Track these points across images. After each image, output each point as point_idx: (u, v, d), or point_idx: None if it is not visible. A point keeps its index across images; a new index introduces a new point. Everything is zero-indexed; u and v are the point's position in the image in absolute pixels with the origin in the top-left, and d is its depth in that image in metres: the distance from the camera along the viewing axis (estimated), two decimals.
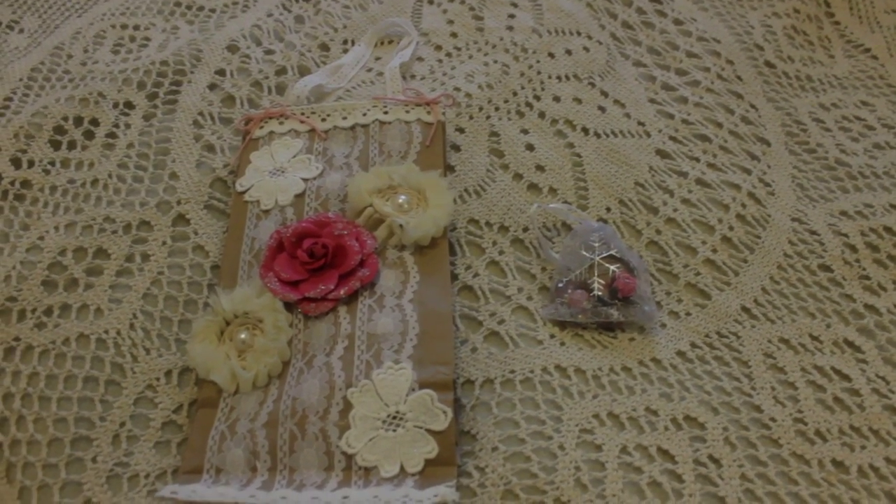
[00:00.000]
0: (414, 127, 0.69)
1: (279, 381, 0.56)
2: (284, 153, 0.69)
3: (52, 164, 0.71)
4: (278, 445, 0.53)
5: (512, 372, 0.59)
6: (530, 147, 0.72)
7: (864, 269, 0.65)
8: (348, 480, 0.52)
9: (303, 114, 0.71)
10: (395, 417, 0.53)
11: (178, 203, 0.68)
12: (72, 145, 0.72)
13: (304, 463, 0.53)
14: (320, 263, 0.60)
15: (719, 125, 0.74)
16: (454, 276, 0.64)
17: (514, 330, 0.61)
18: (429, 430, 0.52)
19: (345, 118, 0.71)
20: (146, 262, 0.65)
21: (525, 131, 0.73)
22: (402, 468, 0.51)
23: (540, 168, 0.70)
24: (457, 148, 0.72)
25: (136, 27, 0.84)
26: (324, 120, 0.71)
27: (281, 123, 0.71)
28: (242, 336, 0.58)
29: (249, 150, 0.70)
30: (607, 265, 0.61)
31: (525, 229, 0.67)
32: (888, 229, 0.67)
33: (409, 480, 0.51)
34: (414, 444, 0.52)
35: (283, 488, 0.51)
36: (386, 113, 0.71)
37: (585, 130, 0.73)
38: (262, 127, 0.71)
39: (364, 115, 0.71)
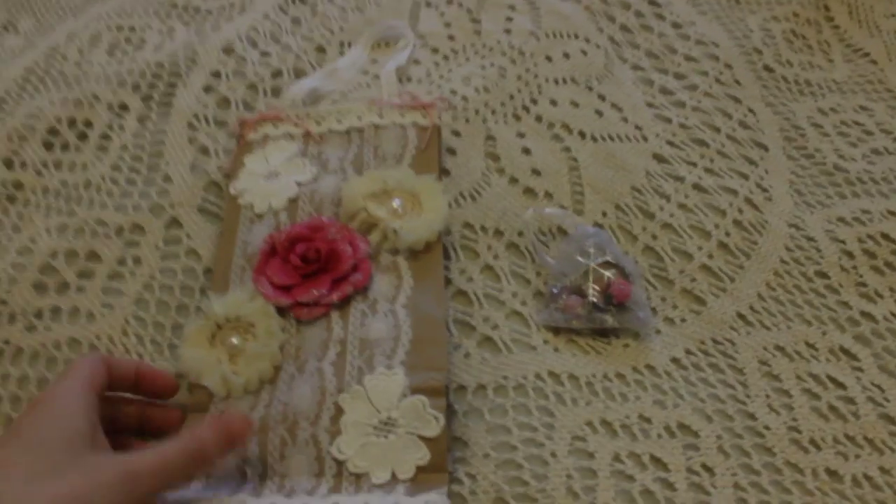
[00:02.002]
0: (409, 130, 0.69)
1: (270, 387, 0.56)
2: (279, 156, 0.68)
3: (45, 165, 0.71)
4: (269, 451, 0.53)
5: (505, 378, 0.58)
6: (526, 151, 0.71)
7: (860, 276, 0.65)
8: (339, 486, 0.51)
9: (298, 117, 0.71)
10: (386, 423, 0.53)
11: (172, 206, 0.68)
12: (65, 147, 0.72)
13: (295, 469, 0.52)
14: (313, 268, 0.60)
15: (717, 130, 0.74)
16: (448, 281, 0.63)
17: (507, 335, 0.61)
18: (420, 437, 0.52)
19: (340, 121, 0.70)
20: (138, 267, 0.65)
21: (521, 135, 0.73)
22: (393, 475, 0.51)
23: (536, 172, 0.70)
24: (452, 151, 0.71)
25: (132, 28, 0.83)
26: (319, 123, 0.71)
27: (276, 127, 0.71)
28: (234, 340, 0.58)
29: (243, 153, 0.69)
30: (602, 271, 0.61)
31: (520, 234, 0.66)
32: (885, 236, 0.67)
33: (399, 487, 0.51)
34: (405, 450, 0.52)
35: (274, 494, 0.51)
36: (381, 117, 0.70)
37: (582, 134, 0.73)
38: (256, 130, 0.71)
39: (359, 118, 0.70)
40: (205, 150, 0.72)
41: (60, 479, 0.42)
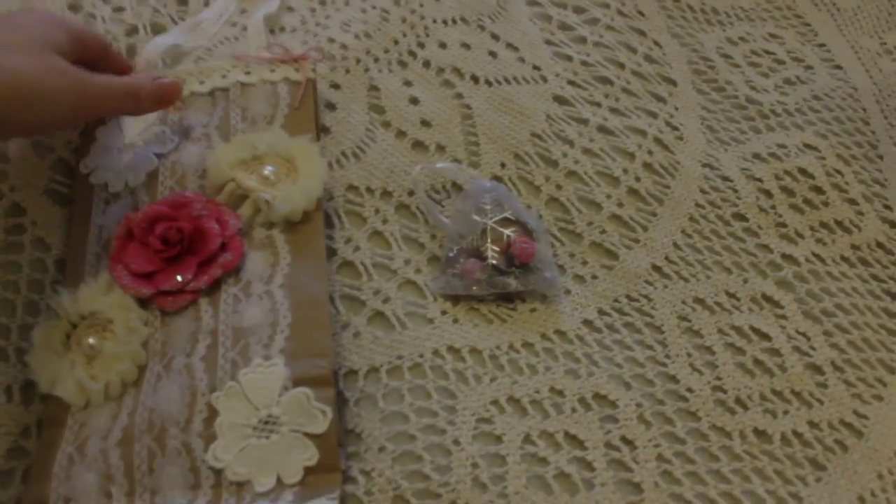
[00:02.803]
0: (280, 87, 0.61)
1: (134, 390, 0.49)
2: (134, 127, 0.60)
3: None
4: (135, 465, 0.46)
5: (399, 358, 0.52)
6: (414, 101, 0.64)
7: (780, 216, 0.60)
8: (218, 499, 0.45)
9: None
10: (267, 422, 0.46)
11: (11, 190, 0.59)
12: None
13: (167, 483, 0.45)
14: (176, 251, 0.52)
15: (621, 66, 0.68)
16: (332, 252, 0.56)
17: (401, 309, 0.54)
18: (307, 434, 0.46)
19: (202, 82, 0.62)
20: None
21: (408, 83, 0.65)
22: (279, 480, 0.45)
23: (426, 123, 0.63)
24: (332, 106, 0.64)
25: None
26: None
27: None
28: (91, 341, 0.50)
29: (94, 124, 0.60)
30: (501, 229, 0.55)
31: (410, 193, 0.59)
32: (803, 171, 0.62)
33: (287, 494, 0.44)
34: (290, 451, 0.45)
35: None
36: (248, 73, 0.62)
37: (475, 79, 0.66)
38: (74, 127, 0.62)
39: (223, 77, 0.62)
40: None
41: (26, 56, 0.48)
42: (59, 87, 0.49)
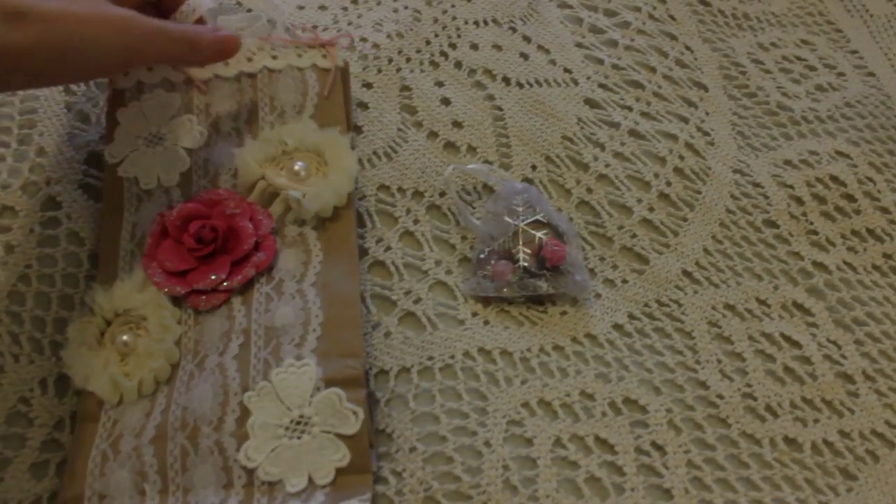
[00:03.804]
0: (308, 75, 0.60)
1: (167, 388, 0.49)
2: (159, 113, 0.59)
3: None
4: (168, 463, 0.46)
5: (430, 359, 0.52)
6: (446, 101, 0.64)
7: (811, 224, 0.60)
8: (250, 498, 0.45)
9: None
10: (299, 423, 0.46)
11: (48, 184, 0.59)
12: None
13: (200, 482, 0.45)
14: (210, 249, 0.52)
15: (652, 70, 0.68)
16: (364, 251, 0.56)
17: (431, 309, 0.54)
18: (338, 435, 0.46)
19: (227, 64, 0.61)
20: (10, 255, 0.56)
21: (440, 84, 0.66)
22: (310, 480, 0.45)
23: (457, 124, 0.63)
24: (364, 106, 0.64)
25: None
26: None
27: (150, 70, 0.61)
28: (125, 338, 0.50)
29: (115, 105, 0.59)
30: (533, 231, 0.55)
31: (442, 194, 0.59)
32: (835, 178, 0.62)
33: (318, 494, 0.44)
34: (322, 451, 0.45)
35: None
36: (275, 58, 0.61)
37: (507, 80, 0.66)
38: (126, 73, 0.61)
39: (249, 60, 0.61)
40: (84, 117, 0.63)
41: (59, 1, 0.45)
42: (98, 33, 0.46)
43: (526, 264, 0.54)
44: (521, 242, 0.55)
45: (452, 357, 0.52)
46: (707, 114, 0.65)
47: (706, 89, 0.67)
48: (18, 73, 0.47)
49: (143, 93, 0.60)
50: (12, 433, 0.50)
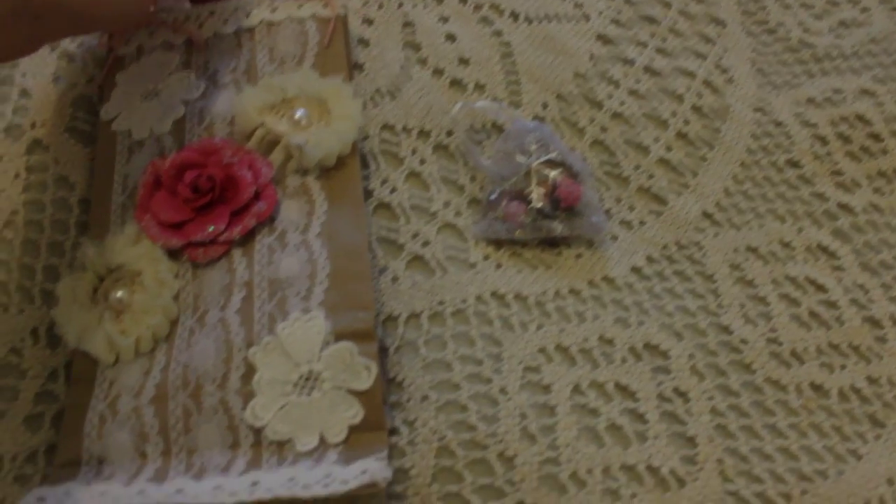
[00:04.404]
0: (309, 25, 0.57)
1: (166, 345, 0.46)
2: (157, 71, 0.56)
3: None
4: (170, 424, 0.44)
5: (441, 303, 0.49)
6: (451, 37, 0.61)
7: (835, 164, 0.57)
8: (258, 458, 0.42)
9: (176, 21, 0.59)
10: (308, 378, 0.44)
11: (33, 126, 0.56)
12: None
13: (204, 442, 0.43)
14: (207, 199, 0.49)
15: (667, 5, 0.64)
16: (368, 193, 0.54)
17: (441, 252, 0.52)
18: (350, 391, 0.43)
19: (225, 21, 0.58)
20: None
21: (444, 19, 0.62)
22: (321, 438, 0.42)
23: (463, 61, 0.60)
24: (365, 43, 0.61)
25: None
26: (201, 26, 0.58)
27: (151, 34, 0.58)
28: (119, 294, 0.48)
29: (115, 70, 0.57)
30: (547, 171, 0.52)
31: (449, 133, 0.56)
32: (860, 117, 0.59)
33: (331, 453, 0.42)
34: (334, 408, 0.43)
35: (181, 476, 0.42)
36: (274, 11, 0.58)
37: (515, 15, 0.62)
38: (128, 41, 0.58)
39: (247, 15, 0.59)
40: (70, 57, 0.60)
41: None
42: None
43: (539, 205, 0.51)
44: (534, 182, 0.52)
45: (464, 301, 0.49)
46: (725, 50, 0.62)
47: (724, 25, 0.64)
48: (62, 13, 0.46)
49: (143, 55, 0.57)
50: (4, 385, 0.48)
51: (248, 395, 0.44)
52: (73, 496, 0.41)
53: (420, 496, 0.43)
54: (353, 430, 0.42)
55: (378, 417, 0.43)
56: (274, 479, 0.40)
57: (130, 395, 0.45)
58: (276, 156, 0.52)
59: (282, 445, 0.42)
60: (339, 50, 0.56)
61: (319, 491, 0.39)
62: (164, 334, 0.47)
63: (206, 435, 0.43)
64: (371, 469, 0.40)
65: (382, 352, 0.47)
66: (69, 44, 0.60)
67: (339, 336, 0.44)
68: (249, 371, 0.44)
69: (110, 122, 0.55)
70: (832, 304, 0.52)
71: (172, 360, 0.45)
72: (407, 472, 0.44)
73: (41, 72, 0.59)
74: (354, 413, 0.43)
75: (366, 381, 0.43)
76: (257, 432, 0.43)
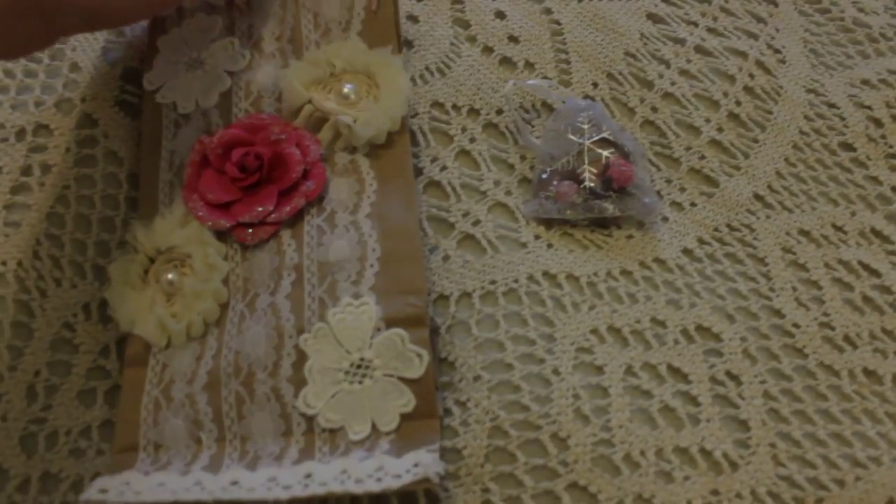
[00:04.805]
0: None
1: (217, 330, 0.46)
2: (200, 37, 0.56)
3: None
4: (224, 411, 0.44)
5: (493, 283, 0.49)
6: (501, 15, 0.61)
7: (890, 147, 0.56)
8: (311, 447, 0.42)
9: None
10: (359, 366, 0.44)
11: (83, 101, 0.56)
12: None
13: (258, 430, 0.43)
14: (255, 178, 0.49)
15: None
16: (418, 171, 0.53)
17: (491, 231, 0.51)
18: (402, 379, 0.43)
19: None
20: (47, 175, 0.53)
21: None
22: (373, 427, 0.42)
23: (513, 39, 0.59)
24: (414, 19, 0.60)
25: None
26: None
27: None
28: (169, 276, 0.48)
29: (156, 34, 0.56)
30: (599, 150, 0.52)
31: (499, 111, 0.56)
32: None
33: (383, 442, 0.42)
34: (385, 397, 0.43)
35: (235, 464, 0.42)
36: None
37: None
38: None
39: None
40: (119, 31, 0.60)
41: None
42: None
43: (591, 185, 0.51)
44: (586, 162, 0.52)
45: (516, 281, 0.49)
46: (777, 30, 0.61)
47: (776, 4, 0.63)
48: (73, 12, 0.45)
49: (184, 18, 0.57)
50: (58, 360, 0.48)
51: (299, 383, 0.44)
52: (132, 487, 0.41)
53: (473, 476, 0.43)
54: (404, 418, 0.42)
55: (430, 406, 0.43)
56: (327, 472, 0.40)
57: (183, 381, 0.45)
58: (325, 133, 0.51)
59: (334, 433, 0.43)
60: (388, 17, 0.55)
61: (372, 486, 0.39)
62: (214, 319, 0.47)
63: (259, 423, 0.43)
64: (423, 462, 0.40)
65: (434, 332, 0.47)
66: None
67: (391, 322, 0.44)
68: (301, 358, 0.44)
69: (154, 93, 0.54)
70: (886, 289, 0.51)
71: (224, 345, 0.46)
72: (460, 453, 0.44)
73: (91, 46, 0.59)
74: (406, 401, 0.43)
75: (418, 370, 0.43)
76: (309, 420, 0.43)
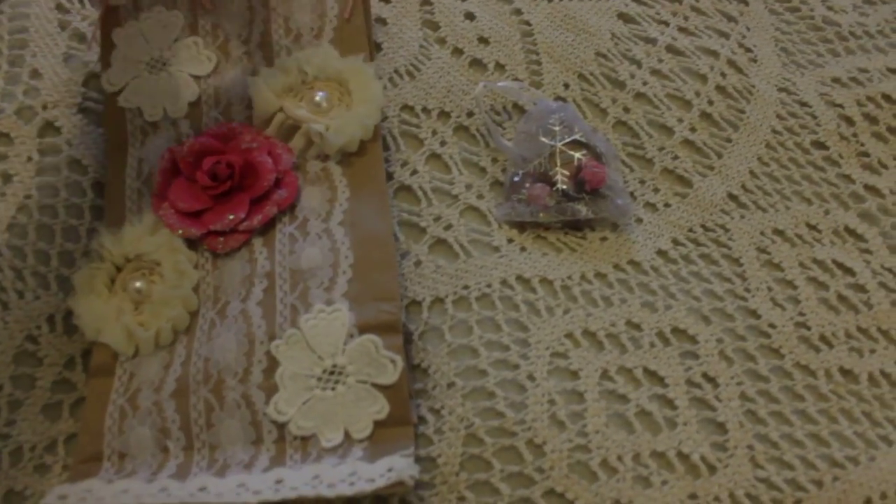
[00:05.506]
0: None
1: (186, 338, 0.45)
2: (160, 34, 0.54)
3: None
4: (192, 419, 0.43)
5: (465, 288, 0.49)
6: (470, 16, 0.60)
7: (862, 145, 0.56)
8: (282, 454, 0.42)
9: None
10: (332, 373, 0.43)
11: (44, 108, 0.55)
12: None
13: (227, 438, 0.42)
14: (226, 187, 0.49)
15: None
16: (388, 176, 0.53)
17: (464, 236, 0.51)
18: (375, 385, 0.42)
19: None
20: (8, 185, 0.52)
21: None
22: (346, 434, 0.42)
23: (483, 40, 0.59)
24: (383, 21, 0.59)
25: None
26: None
27: None
28: (138, 284, 0.47)
29: (109, 24, 0.54)
30: (571, 152, 0.51)
31: (470, 114, 0.56)
32: (887, 97, 0.58)
33: (356, 449, 0.41)
34: (358, 403, 0.42)
35: (204, 472, 0.41)
36: None
37: None
38: None
39: None
40: (81, 37, 0.58)
41: None
42: None
43: (564, 187, 0.51)
44: (558, 164, 0.51)
45: (489, 286, 0.49)
46: (748, 29, 0.61)
47: (746, 3, 0.63)
48: None
49: (141, 11, 0.55)
50: (21, 373, 0.47)
51: (270, 390, 0.43)
52: (94, 494, 0.40)
53: (448, 485, 0.43)
54: (378, 425, 0.42)
55: (404, 412, 0.42)
56: (298, 478, 0.40)
57: (151, 389, 0.44)
58: (297, 142, 0.51)
59: (306, 441, 0.42)
60: (360, 25, 0.55)
61: (345, 490, 0.39)
62: (184, 327, 0.46)
63: (228, 430, 0.42)
64: (397, 467, 0.39)
65: (406, 339, 0.47)
66: (80, 23, 0.59)
67: (364, 329, 0.44)
68: (272, 365, 0.43)
69: (116, 95, 0.53)
70: (861, 288, 0.51)
71: (193, 353, 0.45)
72: (434, 461, 0.43)
73: (52, 52, 0.58)
74: (380, 408, 0.42)
75: (391, 376, 0.42)
76: (281, 428, 0.42)
